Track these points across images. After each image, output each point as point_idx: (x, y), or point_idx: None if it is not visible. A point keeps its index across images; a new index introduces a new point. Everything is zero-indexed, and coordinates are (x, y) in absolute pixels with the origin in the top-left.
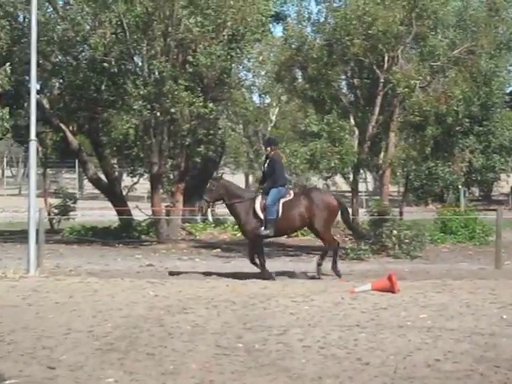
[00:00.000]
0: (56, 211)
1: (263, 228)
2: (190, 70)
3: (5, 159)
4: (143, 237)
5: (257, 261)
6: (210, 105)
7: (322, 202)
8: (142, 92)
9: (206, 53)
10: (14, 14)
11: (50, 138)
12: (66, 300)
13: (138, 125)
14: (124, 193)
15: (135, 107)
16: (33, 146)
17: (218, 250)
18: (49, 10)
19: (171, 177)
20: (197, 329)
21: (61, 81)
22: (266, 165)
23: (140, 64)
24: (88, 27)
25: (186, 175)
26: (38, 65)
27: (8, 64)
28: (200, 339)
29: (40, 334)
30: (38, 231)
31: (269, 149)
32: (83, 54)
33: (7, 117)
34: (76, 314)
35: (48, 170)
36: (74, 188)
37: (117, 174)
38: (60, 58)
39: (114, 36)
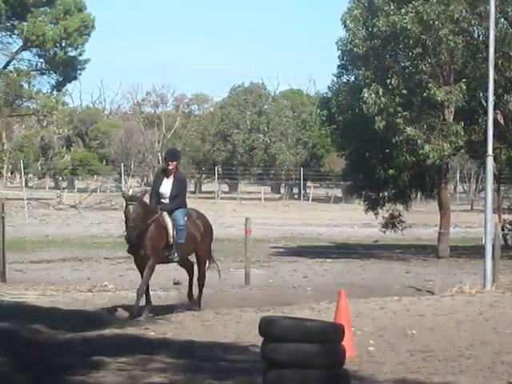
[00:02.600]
0: (510, 227)
1: (175, 254)
2: None
3: (458, 175)
4: None
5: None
6: None
7: (209, 225)
8: None
9: None
10: (470, 31)
11: (504, 153)
12: None
13: None
14: None
15: None
16: (489, 161)
17: None
18: (504, 25)
19: None
20: None
21: None
22: (165, 183)
23: None
24: None
25: None
26: (494, 80)
27: (463, 80)
28: None
29: (498, 348)
30: (493, 246)
31: (174, 163)
32: None
33: (462, 133)
34: None
35: (501, 185)
36: None
37: None
38: None
39: None
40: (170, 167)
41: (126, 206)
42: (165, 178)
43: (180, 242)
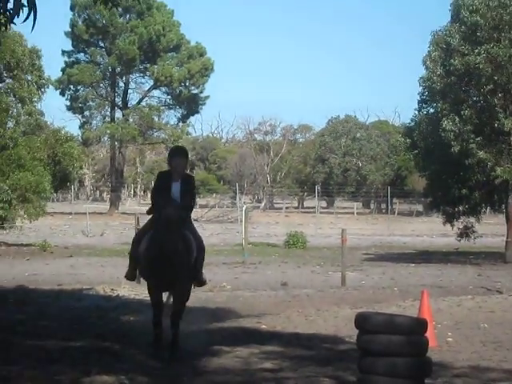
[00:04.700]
0: None
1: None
2: None
3: None
4: None
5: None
6: None
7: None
8: None
9: None
10: None
11: None
12: None
13: None
14: None
15: None
16: None
17: None
18: None
19: None
20: None
21: None
22: (175, 188)
23: None
24: None
25: None
26: None
27: None
28: None
29: None
30: None
31: (182, 163)
32: None
33: None
34: None
35: None
36: None
37: None
38: None
39: None
40: (178, 168)
41: (167, 208)
42: (173, 182)
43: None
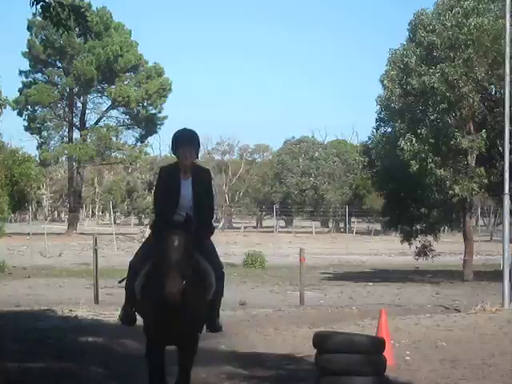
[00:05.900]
0: None
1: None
2: None
3: (479, 211)
4: None
5: None
6: None
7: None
8: None
9: None
10: (488, 89)
11: None
12: None
13: None
14: None
15: None
16: (506, 198)
17: None
18: None
19: None
20: None
21: None
22: (184, 186)
23: None
24: None
25: None
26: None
27: (484, 130)
28: None
29: None
30: (510, 271)
31: (192, 152)
32: None
33: (484, 174)
34: None
35: None
36: None
37: None
38: None
39: None
40: (187, 161)
41: (169, 236)
42: (181, 179)
43: (219, 300)
